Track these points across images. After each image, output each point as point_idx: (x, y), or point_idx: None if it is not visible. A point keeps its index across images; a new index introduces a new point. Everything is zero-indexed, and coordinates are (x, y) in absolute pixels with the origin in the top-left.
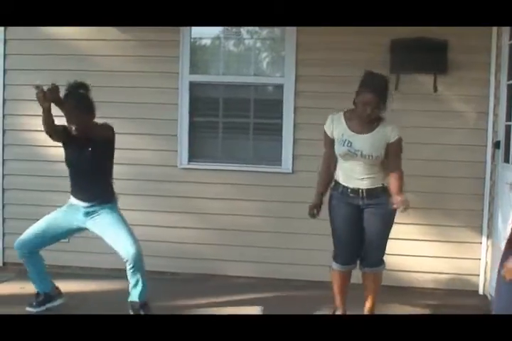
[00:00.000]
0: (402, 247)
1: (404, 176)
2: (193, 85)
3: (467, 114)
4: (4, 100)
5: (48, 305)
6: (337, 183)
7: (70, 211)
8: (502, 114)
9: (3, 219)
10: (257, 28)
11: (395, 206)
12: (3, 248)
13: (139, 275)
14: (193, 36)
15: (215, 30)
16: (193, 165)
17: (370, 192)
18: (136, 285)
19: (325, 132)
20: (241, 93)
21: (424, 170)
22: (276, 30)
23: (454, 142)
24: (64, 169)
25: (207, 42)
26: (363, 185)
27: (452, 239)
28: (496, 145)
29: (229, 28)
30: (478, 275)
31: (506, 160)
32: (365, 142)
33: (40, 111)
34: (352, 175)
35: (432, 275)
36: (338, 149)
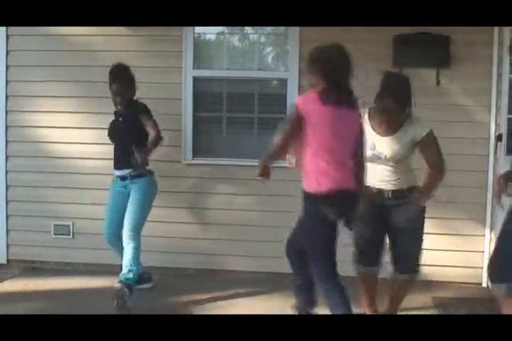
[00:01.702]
0: None
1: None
2: (196, 80)
3: (470, 107)
4: (7, 96)
5: (138, 287)
6: None
7: (115, 187)
8: (504, 106)
9: (7, 216)
10: None
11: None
12: (7, 245)
13: (129, 256)
14: (196, 31)
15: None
16: (198, 161)
17: (396, 194)
18: (125, 265)
19: None
20: (245, 88)
21: None
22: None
23: (456, 135)
24: (67, 165)
25: (210, 37)
26: (389, 186)
27: (455, 231)
28: (499, 138)
29: None
30: (482, 267)
31: (509, 152)
32: (388, 144)
33: (43, 107)
34: (376, 176)
35: (435, 268)
36: None
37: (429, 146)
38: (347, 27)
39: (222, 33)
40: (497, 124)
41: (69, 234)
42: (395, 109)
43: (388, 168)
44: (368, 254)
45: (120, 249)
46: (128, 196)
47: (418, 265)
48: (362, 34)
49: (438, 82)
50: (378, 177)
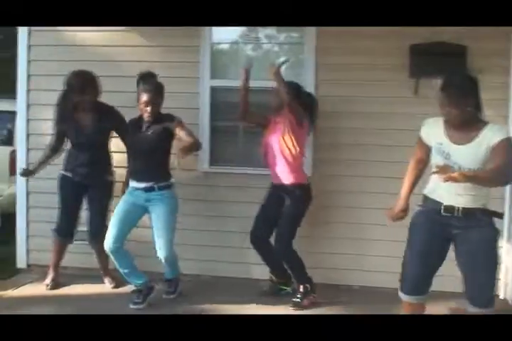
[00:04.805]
0: None
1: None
2: (213, 90)
3: (488, 118)
4: (28, 105)
5: (150, 297)
6: (427, 198)
7: (132, 199)
8: None
9: (28, 222)
10: (275, 32)
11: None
12: (28, 250)
13: (172, 267)
14: (213, 41)
15: (235, 36)
16: (214, 169)
17: (468, 212)
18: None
19: (420, 136)
20: (261, 97)
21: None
22: (295, 34)
23: None
24: None
25: (227, 46)
26: (460, 202)
27: None
28: None
29: (248, 32)
30: (499, 279)
31: None
32: (463, 154)
33: None
34: (447, 189)
35: (452, 279)
36: (435, 160)
37: (497, 155)
38: (362, 38)
39: (238, 42)
40: None
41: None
42: (451, 104)
43: None
44: (412, 281)
45: (122, 260)
46: (146, 209)
47: (492, 298)
48: (377, 44)
49: None
50: (449, 190)
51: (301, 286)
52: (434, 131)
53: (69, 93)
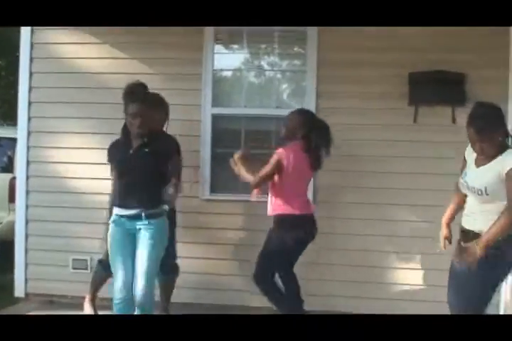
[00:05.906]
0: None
1: None
2: (215, 117)
3: None
4: (29, 132)
5: None
6: None
7: (120, 230)
8: None
9: (26, 250)
10: (277, 60)
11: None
12: (26, 279)
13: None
14: (214, 68)
15: (237, 63)
16: (215, 197)
17: (465, 235)
18: None
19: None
20: (263, 125)
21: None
22: (297, 62)
23: None
24: (86, 200)
25: (228, 74)
26: (471, 225)
27: None
28: None
29: (249, 60)
30: None
31: None
32: (475, 175)
33: (64, 143)
34: (466, 213)
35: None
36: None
37: (508, 188)
38: (363, 66)
39: (240, 70)
40: None
41: (87, 269)
42: (477, 138)
43: (473, 201)
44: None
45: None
46: (134, 240)
47: None
48: (376, 73)
49: (454, 120)
50: (466, 209)
51: None
52: (470, 154)
53: None
